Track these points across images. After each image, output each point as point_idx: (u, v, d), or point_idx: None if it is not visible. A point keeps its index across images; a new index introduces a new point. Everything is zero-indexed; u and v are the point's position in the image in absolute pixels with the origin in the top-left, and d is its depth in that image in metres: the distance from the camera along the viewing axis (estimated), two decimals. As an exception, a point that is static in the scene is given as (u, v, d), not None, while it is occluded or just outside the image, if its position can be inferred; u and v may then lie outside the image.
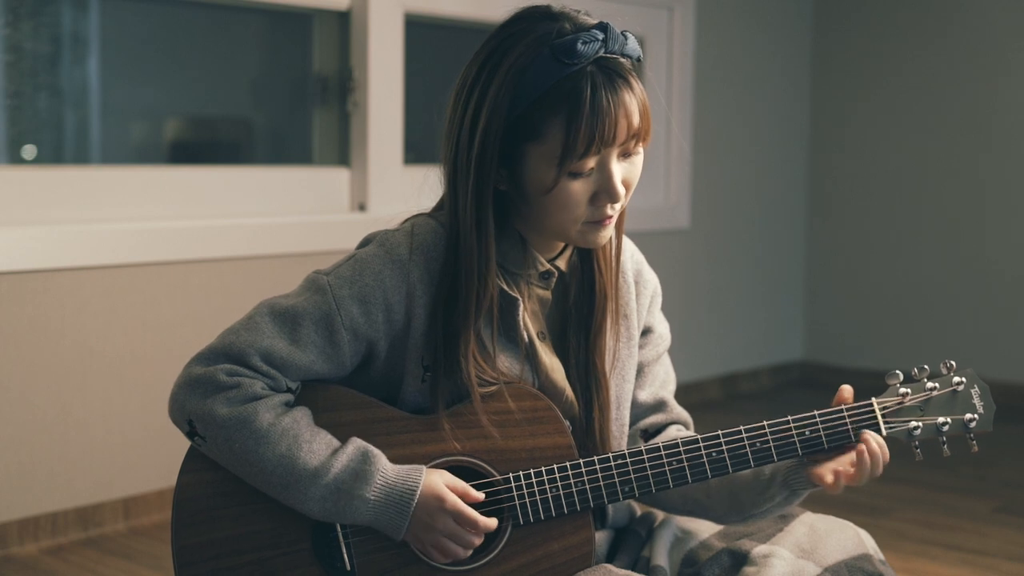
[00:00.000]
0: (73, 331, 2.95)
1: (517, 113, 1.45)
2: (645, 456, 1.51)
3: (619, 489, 1.51)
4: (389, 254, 1.51)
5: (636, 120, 1.46)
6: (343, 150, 3.63)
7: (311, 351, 1.49)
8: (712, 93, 4.70)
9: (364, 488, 1.44)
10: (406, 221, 1.57)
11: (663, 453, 1.51)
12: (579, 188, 1.46)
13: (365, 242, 1.56)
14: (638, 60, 1.50)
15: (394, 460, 1.48)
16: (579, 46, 1.43)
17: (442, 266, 1.51)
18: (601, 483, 1.50)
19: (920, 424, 1.53)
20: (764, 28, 4.92)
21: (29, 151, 3.18)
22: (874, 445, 1.50)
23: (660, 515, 1.69)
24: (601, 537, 1.64)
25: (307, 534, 1.49)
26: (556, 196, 1.46)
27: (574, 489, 1.50)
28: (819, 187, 5.17)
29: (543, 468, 1.50)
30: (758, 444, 1.51)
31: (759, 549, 1.54)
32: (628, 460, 1.51)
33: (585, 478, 1.50)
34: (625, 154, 1.48)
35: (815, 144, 5.17)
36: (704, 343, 4.76)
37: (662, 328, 1.70)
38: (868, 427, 1.52)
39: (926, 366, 1.56)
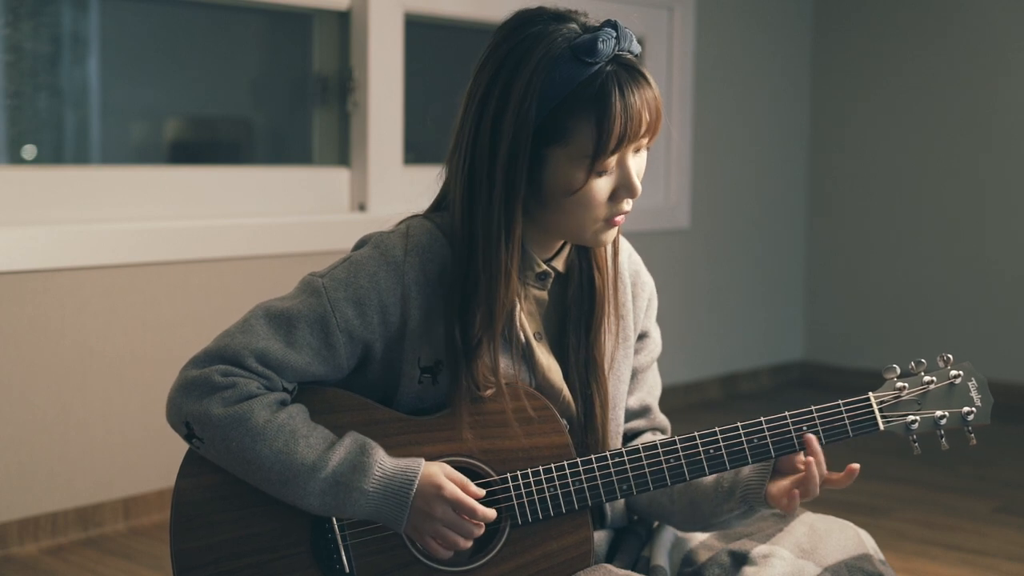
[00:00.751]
0: (73, 331, 2.96)
1: (541, 117, 1.45)
2: (642, 454, 1.51)
3: (617, 488, 1.51)
4: (384, 256, 1.51)
5: (654, 115, 1.47)
6: (343, 150, 3.63)
7: (307, 353, 1.49)
8: (712, 93, 4.70)
9: (363, 480, 1.44)
10: (401, 222, 1.57)
11: (660, 451, 1.51)
12: (603, 186, 1.47)
13: (360, 244, 1.56)
14: (638, 56, 1.50)
15: (392, 460, 1.49)
16: (599, 45, 1.43)
17: (445, 271, 1.50)
18: (599, 482, 1.50)
19: (918, 418, 1.52)
20: (764, 28, 4.92)
21: (29, 151, 3.18)
22: (816, 446, 1.49)
23: (660, 516, 1.69)
24: (601, 537, 1.64)
25: (306, 536, 1.49)
26: (582, 196, 1.46)
27: (572, 488, 1.50)
28: (819, 187, 5.17)
29: (540, 468, 1.50)
30: (756, 440, 1.50)
31: (759, 549, 1.54)
32: (626, 458, 1.51)
33: (583, 477, 1.50)
34: (637, 149, 1.49)
35: (815, 144, 5.17)
36: (704, 343, 4.76)
37: (656, 335, 1.71)
38: (865, 422, 1.51)
39: (923, 360, 1.55)
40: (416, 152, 3.74)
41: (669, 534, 1.65)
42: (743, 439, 1.50)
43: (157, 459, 3.10)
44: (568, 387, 1.58)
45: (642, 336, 1.68)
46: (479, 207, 1.47)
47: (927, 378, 1.54)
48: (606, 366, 1.59)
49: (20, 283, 2.86)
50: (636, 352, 1.67)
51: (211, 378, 1.46)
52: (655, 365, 1.72)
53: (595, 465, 1.50)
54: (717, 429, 1.51)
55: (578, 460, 1.51)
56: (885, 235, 5.00)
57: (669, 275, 4.50)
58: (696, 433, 1.52)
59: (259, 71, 3.74)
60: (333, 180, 3.58)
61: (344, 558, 1.48)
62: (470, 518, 1.46)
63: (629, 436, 1.68)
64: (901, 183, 4.95)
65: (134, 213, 3.14)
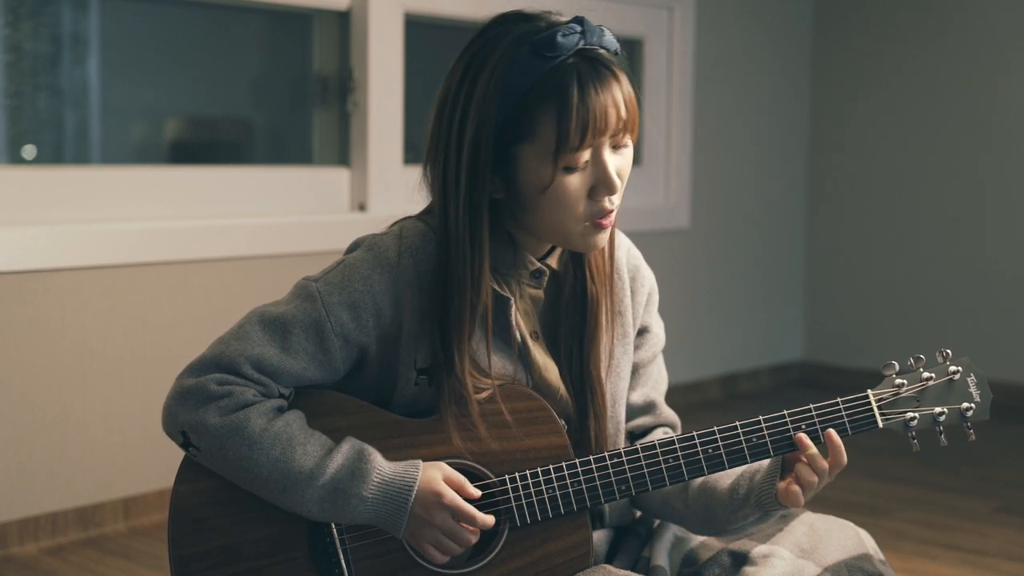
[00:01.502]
0: (73, 331, 2.96)
1: (504, 115, 1.44)
2: (641, 454, 1.50)
3: (616, 488, 1.50)
4: (378, 258, 1.50)
5: (624, 109, 1.45)
6: (343, 150, 3.63)
7: (302, 358, 1.48)
8: (712, 93, 4.70)
9: (361, 486, 1.43)
10: (394, 224, 1.57)
11: (659, 451, 1.50)
12: (575, 183, 1.45)
13: (354, 246, 1.55)
14: (616, 53, 1.49)
15: (390, 463, 1.48)
16: (559, 38, 1.43)
17: (433, 271, 1.50)
18: (598, 483, 1.50)
19: (916, 415, 1.52)
20: (764, 28, 4.92)
21: (29, 151, 3.18)
22: (807, 442, 1.49)
23: (660, 514, 1.69)
24: (601, 537, 1.64)
25: (304, 541, 1.49)
26: (553, 193, 1.45)
27: (571, 489, 1.50)
28: (819, 187, 5.17)
29: (539, 469, 1.50)
30: (754, 439, 1.50)
31: (759, 549, 1.54)
32: (624, 459, 1.50)
33: (581, 478, 1.50)
34: (615, 146, 1.48)
35: (815, 144, 5.17)
36: (704, 343, 4.76)
37: (658, 328, 1.69)
38: (864, 420, 1.51)
39: (922, 356, 1.55)
40: (416, 152, 3.74)
41: (669, 534, 1.64)
42: (742, 439, 1.50)
43: (157, 459, 3.10)
44: (565, 386, 1.58)
45: (643, 331, 1.67)
46: (450, 208, 1.47)
47: (926, 374, 1.53)
48: (603, 373, 1.58)
49: (20, 283, 2.86)
50: (637, 347, 1.66)
51: (207, 387, 1.46)
52: (659, 359, 1.71)
53: (594, 466, 1.50)
54: (716, 429, 1.51)
55: (576, 461, 1.50)
56: (885, 235, 5.00)
57: (669, 275, 4.50)
58: (695, 433, 1.51)
59: (259, 71, 3.74)
60: (333, 180, 3.58)
61: (343, 563, 1.48)
62: (469, 525, 1.45)
63: (637, 434, 1.67)
64: (901, 183, 4.95)
65: (134, 213, 3.14)
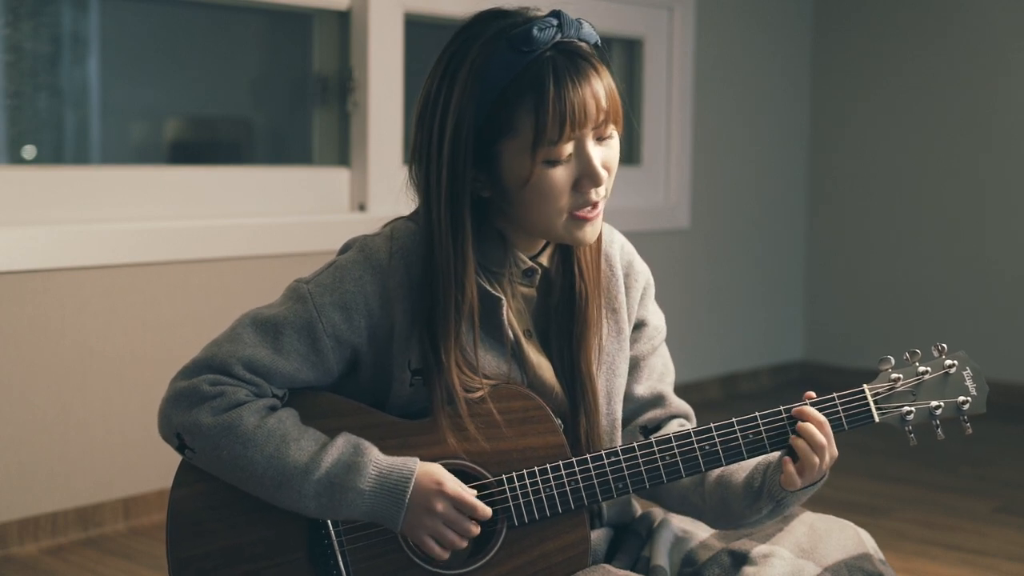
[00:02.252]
0: (73, 331, 2.96)
1: (484, 112, 1.45)
2: (638, 452, 1.50)
3: (613, 486, 1.50)
4: (369, 259, 1.51)
5: (604, 100, 1.45)
6: (343, 150, 3.63)
7: (294, 359, 1.49)
8: (712, 93, 4.70)
9: (358, 479, 1.43)
10: (386, 225, 1.57)
11: (656, 448, 1.51)
12: (559, 175, 1.46)
13: (345, 248, 1.56)
14: (596, 46, 1.49)
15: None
16: (535, 32, 1.43)
17: (422, 272, 1.50)
18: (595, 480, 1.50)
19: (913, 409, 1.52)
20: (764, 28, 4.92)
21: (29, 151, 3.18)
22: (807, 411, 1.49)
23: (660, 515, 1.69)
24: (600, 536, 1.64)
25: (302, 543, 1.49)
26: (536, 186, 1.45)
27: (568, 488, 1.50)
28: (819, 187, 5.17)
29: (536, 468, 1.50)
30: (751, 435, 1.50)
31: (759, 549, 1.54)
32: (621, 457, 1.50)
33: (578, 476, 1.50)
34: (599, 138, 1.48)
35: (815, 144, 5.17)
36: (704, 343, 4.76)
37: (656, 320, 1.69)
38: (861, 414, 1.51)
39: (917, 350, 1.55)
40: (416, 152, 3.73)
41: (669, 534, 1.64)
42: (738, 434, 1.50)
43: (157, 459, 3.10)
44: (559, 383, 1.58)
45: (639, 325, 1.67)
46: (432, 207, 1.48)
47: (921, 368, 1.53)
48: (593, 371, 1.58)
49: (20, 283, 2.86)
50: (635, 342, 1.66)
51: (199, 388, 1.46)
52: (662, 350, 1.70)
53: (591, 465, 1.50)
54: (712, 425, 1.51)
55: (574, 460, 1.50)
56: (885, 235, 5.00)
57: (669, 275, 4.50)
58: (691, 429, 1.52)
59: (259, 71, 3.74)
60: (333, 180, 3.58)
61: (341, 564, 1.48)
62: (470, 515, 1.45)
63: (650, 428, 1.66)
64: (901, 183, 4.95)
65: (134, 213, 3.14)
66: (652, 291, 1.69)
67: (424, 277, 1.50)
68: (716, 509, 1.57)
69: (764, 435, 1.50)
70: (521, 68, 1.43)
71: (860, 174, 5.05)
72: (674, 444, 1.50)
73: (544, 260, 1.58)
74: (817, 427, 1.48)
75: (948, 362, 1.54)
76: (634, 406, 1.67)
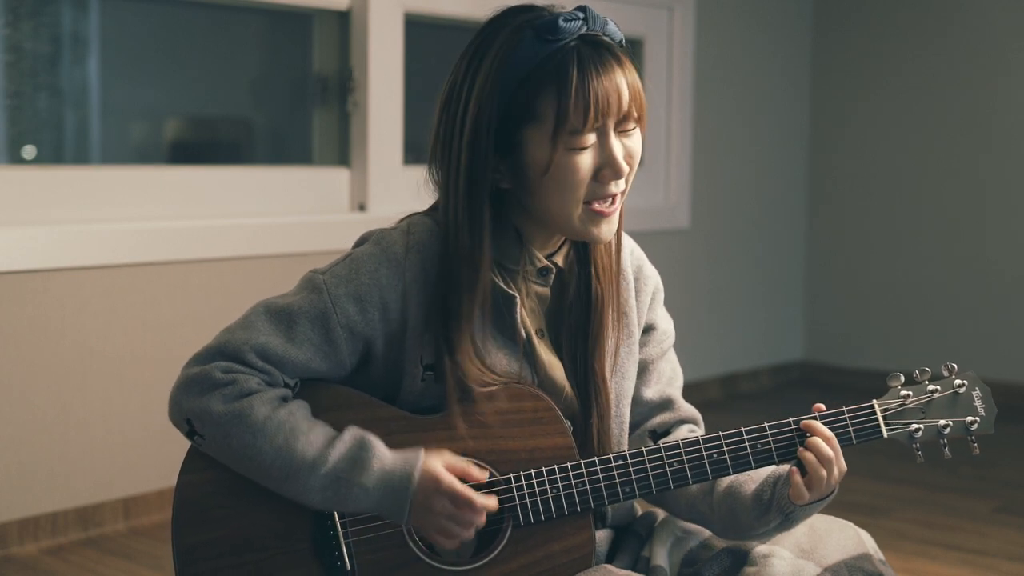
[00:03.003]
0: (73, 331, 2.96)
1: (508, 99, 1.45)
2: (646, 457, 1.50)
3: (620, 490, 1.50)
4: (385, 252, 1.51)
5: (626, 95, 1.46)
6: (343, 150, 3.63)
7: (307, 348, 1.49)
8: (712, 93, 4.70)
9: (362, 475, 1.43)
10: (402, 220, 1.57)
11: (664, 454, 1.51)
12: (581, 162, 1.46)
13: (361, 241, 1.56)
14: (621, 44, 1.50)
15: (394, 459, 1.48)
16: (561, 22, 1.44)
17: (438, 267, 1.50)
18: (602, 484, 1.50)
19: (921, 426, 1.53)
20: (764, 28, 4.92)
21: (29, 151, 3.18)
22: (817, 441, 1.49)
23: (660, 515, 1.69)
24: (601, 536, 1.64)
25: (307, 533, 1.49)
26: (556, 173, 1.45)
27: (575, 490, 1.50)
28: (819, 187, 5.17)
29: (544, 468, 1.50)
30: (759, 445, 1.50)
31: (759, 549, 1.54)
32: (629, 461, 1.50)
33: (586, 479, 1.50)
34: (622, 132, 1.48)
35: (815, 144, 5.17)
36: (704, 343, 4.76)
37: (665, 325, 1.69)
38: (869, 429, 1.52)
39: (927, 368, 1.56)
40: (416, 152, 3.74)
41: (669, 534, 1.64)
42: (747, 444, 1.50)
43: (157, 459, 3.10)
44: (570, 384, 1.58)
45: (648, 329, 1.67)
46: (451, 198, 1.48)
47: (931, 387, 1.55)
48: (607, 373, 1.59)
49: (20, 283, 2.86)
50: (643, 345, 1.66)
51: (212, 375, 1.46)
52: (670, 354, 1.70)
53: (599, 468, 1.50)
54: (721, 434, 1.51)
55: (582, 462, 1.50)
56: (885, 235, 5.00)
57: (669, 275, 4.47)
58: (699, 436, 1.52)
59: (259, 71, 3.74)
60: (333, 180, 3.58)
61: (345, 555, 1.48)
62: (469, 509, 1.45)
63: (659, 433, 1.66)
64: (901, 183, 4.95)
65: (134, 213, 3.14)
66: (661, 296, 1.69)
67: (440, 272, 1.50)
68: (724, 519, 1.57)
69: (772, 445, 1.50)
70: (546, 55, 1.44)
71: (860, 174, 5.05)
72: (682, 451, 1.50)
73: (559, 260, 1.58)
74: (825, 441, 1.48)
75: (958, 381, 1.55)
76: (643, 410, 1.67)
